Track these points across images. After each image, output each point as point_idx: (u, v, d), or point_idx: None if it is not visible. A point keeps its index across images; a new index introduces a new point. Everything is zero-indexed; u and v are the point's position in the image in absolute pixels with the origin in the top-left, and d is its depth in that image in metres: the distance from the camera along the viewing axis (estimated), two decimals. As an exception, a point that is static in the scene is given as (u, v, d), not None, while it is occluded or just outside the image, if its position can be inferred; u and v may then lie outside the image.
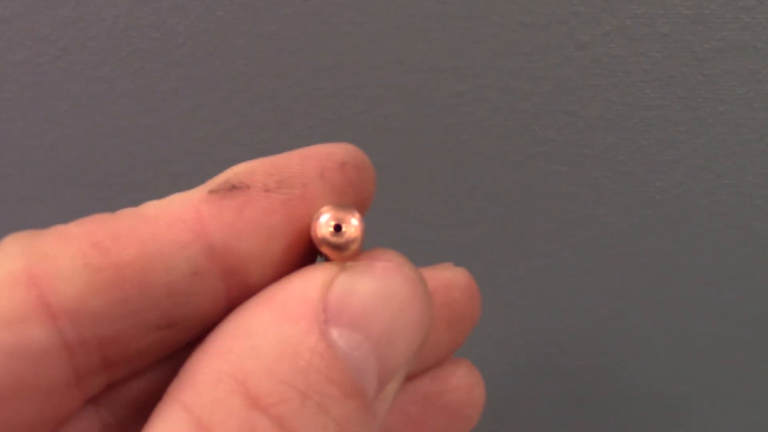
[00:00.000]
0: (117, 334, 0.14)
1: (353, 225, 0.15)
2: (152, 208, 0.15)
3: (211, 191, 0.15)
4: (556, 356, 0.40)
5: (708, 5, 0.32)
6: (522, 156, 0.35)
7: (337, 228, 0.15)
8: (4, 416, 0.13)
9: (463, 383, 0.19)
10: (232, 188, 0.15)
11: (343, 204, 0.16)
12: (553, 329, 0.40)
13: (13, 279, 0.13)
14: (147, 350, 0.15)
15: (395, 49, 0.34)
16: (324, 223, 0.15)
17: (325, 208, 0.15)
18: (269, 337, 0.13)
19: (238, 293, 0.15)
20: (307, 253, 0.16)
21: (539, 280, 0.38)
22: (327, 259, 0.15)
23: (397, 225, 0.38)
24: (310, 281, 0.14)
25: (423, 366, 0.18)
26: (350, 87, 0.34)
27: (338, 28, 0.34)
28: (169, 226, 0.15)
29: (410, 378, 0.18)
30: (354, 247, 0.15)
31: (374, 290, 0.14)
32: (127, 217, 0.15)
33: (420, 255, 0.40)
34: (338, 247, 0.15)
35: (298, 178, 0.16)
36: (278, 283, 0.14)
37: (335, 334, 0.14)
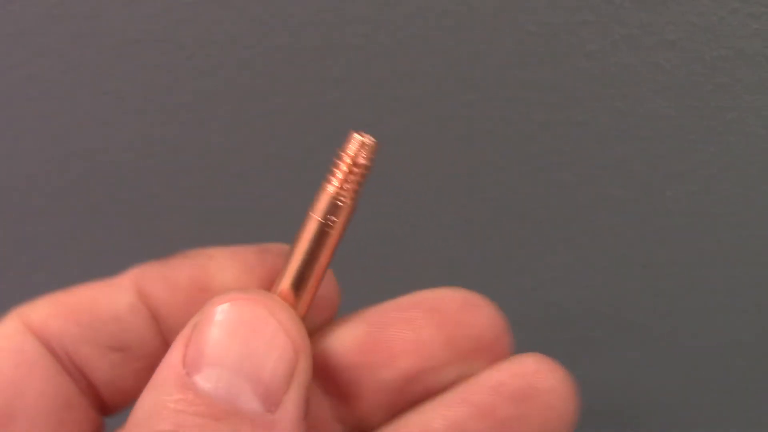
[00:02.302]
0: (79, 351, 0.20)
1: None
2: (114, 277, 0.22)
3: (157, 261, 0.21)
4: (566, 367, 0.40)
5: (717, 13, 0.32)
6: (531, 167, 0.35)
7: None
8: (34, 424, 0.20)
9: (528, 369, 0.20)
10: (168, 258, 0.21)
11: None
12: (565, 339, 0.39)
13: (13, 330, 0.21)
14: (115, 375, 0.21)
15: (404, 60, 0.34)
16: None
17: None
18: (145, 406, 0.17)
19: (165, 334, 0.21)
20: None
21: (550, 290, 0.38)
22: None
23: (407, 235, 0.37)
24: (174, 349, 0.18)
25: (412, 358, 0.20)
26: (358, 98, 0.34)
27: (346, 40, 0.34)
28: (116, 280, 0.21)
29: (438, 376, 0.20)
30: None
31: (217, 331, 0.18)
32: (95, 282, 0.21)
33: (428, 266, 0.40)
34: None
35: (209, 253, 0.21)
36: (161, 361, 0.18)
37: (197, 378, 0.17)
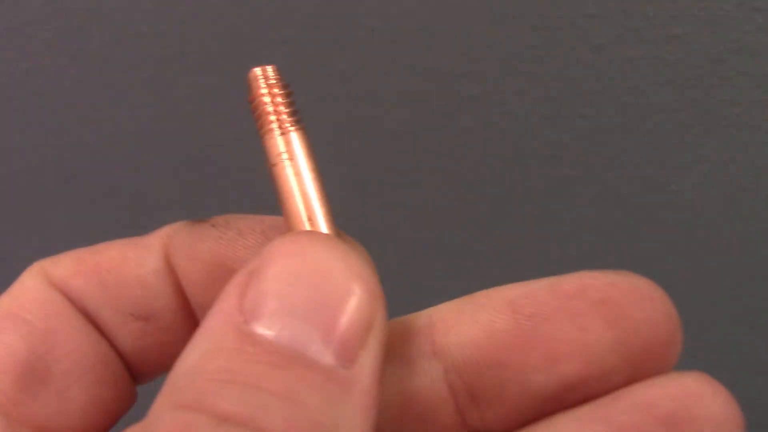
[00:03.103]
0: (101, 315, 0.19)
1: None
2: (144, 236, 0.20)
3: (188, 222, 0.19)
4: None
5: (722, 7, 0.32)
6: (536, 160, 0.35)
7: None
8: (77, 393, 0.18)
9: (686, 391, 0.16)
10: (199, 221, 0.19)
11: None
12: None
13: (38, 283, 0.19)
14: (140, 346, 0.19)
15: (408, 54, 0.34)
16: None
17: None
18: (195, 356, 0.15)
19: (192, 304, 0.19)
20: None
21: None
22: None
23: (411, 228, 0.37)
24: (226, 297, 0.15)
25: (576, 363, 0.17)
26: (363, 91, 0.34)
27: (351, 34, 0.34)
28: (144, 239, 0.19)
29: (602, 384, 0.17)
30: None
31: (282, 273, 0.15)
32: (122, 239, 0.20)
33: (432, 258, 0.40)
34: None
35: (239, 226, 0.19)
36: (210, 309, 0.16)
37: (257, 326, 0.15)
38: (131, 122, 0.36)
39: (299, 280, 0.15)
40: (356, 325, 0.15)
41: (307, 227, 0.17)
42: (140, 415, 0.19)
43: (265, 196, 0.39)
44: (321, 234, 0.17)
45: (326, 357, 0.14)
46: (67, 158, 0.36)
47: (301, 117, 0.18)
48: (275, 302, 0.15)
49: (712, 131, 0.34)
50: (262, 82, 0.19)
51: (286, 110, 0.18)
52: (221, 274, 0.18)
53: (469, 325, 0.17)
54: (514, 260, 0.38)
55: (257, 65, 0.19)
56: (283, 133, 0.18)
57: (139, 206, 0.37)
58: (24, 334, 0.18)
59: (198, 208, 0.37)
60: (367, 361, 0.15)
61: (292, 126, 0.18)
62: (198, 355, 0.15)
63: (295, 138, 0.18)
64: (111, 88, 0.35)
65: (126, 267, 0.19)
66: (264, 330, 0.15)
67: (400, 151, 0.35)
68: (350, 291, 0.15)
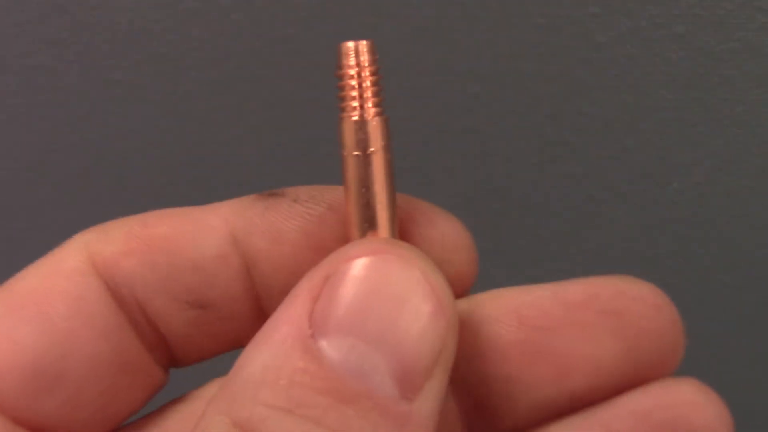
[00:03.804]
0: (152, 301, 0.17)
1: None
2: (200, 207, 0.18)
3: (258, 195, 0.17)
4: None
5: (724, 6, 0.32)
6: (538, 158, 0.35)
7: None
8: (96, 383, 0.16)
9: (682, 399, 0.16)
10: (272, 194, 0.17)
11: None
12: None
13: (76, 267, 0.17)
14: (192, 334, 0.17)
15: (410, 51, 0.34)
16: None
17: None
18: (256, 365, 0.14)
19: (261, 292, 0.17)
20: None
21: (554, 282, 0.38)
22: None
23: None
24: (298, 298, 0.14)
25: (585, 376, 0.17)
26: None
27: (353, 31, 0.34)
28: (204, 216, 0.17)
29: (609, 393, 0.17)
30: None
31: (360, 287, 0.14)
32: (177, 210, 0.17)
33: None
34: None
35: (329, 200, 0.17)
36: (279, 307, 0.15)
37: (324, 344, 0.14)
38: (136, 119, 0.36)
39: (377, 297, 0.14)
40: (426, 356, 0.14)
41: (380, 230, 0.16)
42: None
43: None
44: (406, 247, 0.15)
45: (389, 388, 0.14)
46: (72, 155, 0.36)
47: (384, 102, 0.16)
48: (348, 317, 0.14)
49: (714, 130, 0.34)
50: (352, 59, 0.17)
51: (372, 94, 0.16)
52: (311, 255, 0.16)
53: (474, 337, 0.17)
54: (516, 258, 0.38)
55: (352, 40, 0.17)
56: (364, 120, 0.16)
57: (143, 203, 0.37)
58: (42, 331, 0.16)
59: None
60: (430, 394, 0.14)
61: (375, 112, 0.16)
62: (261, 366, 0.14)
63: (377, 126, 0.16)
64: (116, 84, 0.35)
65: (181, 248, 0.17)
66: (331, 350, 0.13)
67: (402, 148, 0.35)
68: (426, 318, 0.14)
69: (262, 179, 0.37)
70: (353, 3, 0.33)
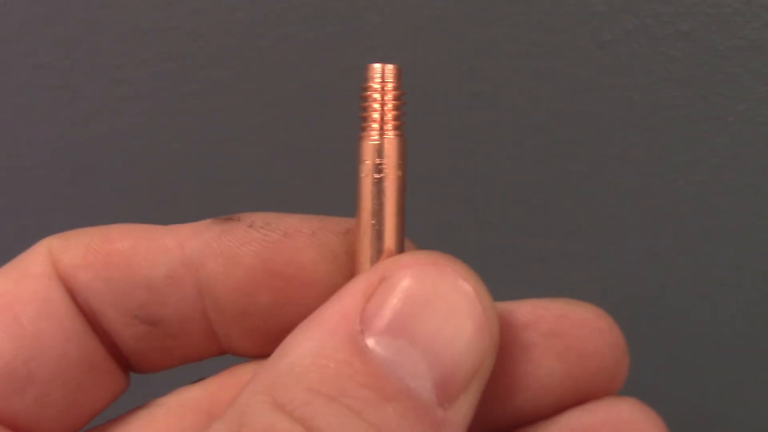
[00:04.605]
0: (105, 313, 0.17)
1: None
2: (162, 227, 0.18)
3: (215, 219, 0.18)
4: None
5: (729, 3, 0.32)
6: (543, 156, 0.35)
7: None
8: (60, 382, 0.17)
9: (621, 417, 0.17)
10: (228, 219, 0.18)
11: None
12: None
13: (42, 271, 0.17)
14: (142, 347, 0.18)
15: (414, 50, 0.34)
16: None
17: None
18: (303, 352, 0.14)
19: (213, 313, 0.18)
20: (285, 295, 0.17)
21: (559, 280, 0.38)
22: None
23: (416, 226, 0.37)
24: (350, 295, 0.15)
25: (529, 395, 0.17)
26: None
27: (358, 30, 0.34)
28: (161, 236, 0.18)
29: (554, 411, 0.18)
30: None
31: (414, 294, 0.15)
32: (138, 226, 0.18)
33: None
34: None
35: (284, 227, 0.17)
36: (328, 301, 0.15)
37: (372, 342, 0.14)
38: (140, 118, 0.36)
39: (428, 306, 0.14)
40: (466, 368, 0.14)
41: (390, 248, 0.16)
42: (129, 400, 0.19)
43: (275, 193, 0.39)
44: (460, 263, 0.16)
45: (428, 393, 0.14)
46: (78, 154, 0.37)
47: (404, 124, 0.17)
48: (398, 320, 0.14)
49: (719, 128, 0.34)
50: (376, 81, 0.17)
51: (391, 116, 0.17)
52: (265, 280, 0.17)
53: None
54: (521, 256, 0.38)
55: (379, 61, 0.17)
56: (379, 139, 0.17)
57: (146, 202, 0.37)
58: (11, 335, 0.17)
59: (207, 205, 0.38)
60: (465, 405, 0.15)
61: (391, 133, 0.17)
62: (307, 352, 0.14)
63: (392, 146, 0.17)
64: (122, 83, 0.35)
65: (136, 266, 0.17)
66: (378, 348, 0.14)
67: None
68: (472, 332, 0.15)
69: (269, 178, 0.37)
70: (355, 2, 0.33)
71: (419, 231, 0.37)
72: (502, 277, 0.39)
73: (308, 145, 0.36)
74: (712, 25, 0.32)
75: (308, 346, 0.14)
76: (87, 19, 0.34)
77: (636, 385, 0.41)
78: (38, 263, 0.17)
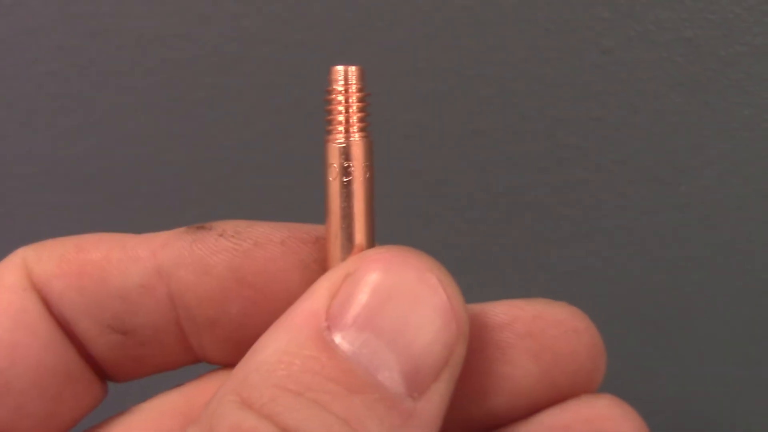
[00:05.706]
0: (78, 322, 0.18)
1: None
2: (135, 236, 0.18)
3: (187, 228, 0.18)
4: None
5: (732, 9, 0.32)
6: (547, 162, 0.35)
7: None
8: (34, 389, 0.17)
9: (599, 414, 0.17)
10: (200, 228, 0.18)
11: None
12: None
13: (17, 281, 0.18)
14: (116, 356, 0.18)
15: (420, 56, 0.34)
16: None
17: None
18: (271, 351, 0.14)
19: (186, 322, 0.18)
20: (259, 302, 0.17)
21: (565, 286, 0.38)
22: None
23: (421, 231, 0.38)
24: (315, 293, 0.15)
25: (505, 395, 0.17)
26: (375, 93, 0.35)
27: (363, 36, 0.34)
28: (133, 245, 0.18)
29: (530, 412, 0.18)
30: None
31: (378, 287, 0.15)
32: (111, 235, 0.18)
33: (441, 260, 0.40)
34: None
35: (254, 236, 0.17)
36: (296, 301, 0.15)
37: (338, 337, 0.14)
38: (150, 126, 0.36)
39: (393, 298, 0.15)
40: (434, 357, 0.15)
41: (361, 247, 0.16)
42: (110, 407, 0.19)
43: (278, 198, 0.39)
44: (424, 255, 0.16)
45: (396, 384, 0.14)
46: (84, 161, 0.37)
47: (369, 125, 0.17)
48: (363, 314, 0.14)
49: (722, 133, 0.34)
50: (340, 83, 0.17)
51: (356, 118, 0.17)
52: (236, 289, 0.17)
53: None
54: (524, 261, 0.38)
55: (344, 64, 0.17)
56: (345, 142, 0.17)
57: (153, 209, 0.37)
58: None
59: (212, 210, 0.38)
60: (436, 395, 0.15)
61: (357, 135, 0.17)
62: (274, 351, 0.14)
63: (358, 148, 0.17)
64: (129, 91, 0.35)
65: (109, 275, 0.17)
66: (344, 343, 0.14)
67: (408, 152, 0.35)
68: (439, 322, 0.15)
69: (274, 182, 0.37)
70: (364, 7, 0.33)
71: (422, 235, 0.37)
72: (507, 283, 0.39)
73: (312, 152, 0.36)
74: (716, 31, 0.32)
75: (275, 345, 0.15)
76: (92, 27, 0.34)
77: (644, 392, 0.41)
78: (13, 273, 0.18)
